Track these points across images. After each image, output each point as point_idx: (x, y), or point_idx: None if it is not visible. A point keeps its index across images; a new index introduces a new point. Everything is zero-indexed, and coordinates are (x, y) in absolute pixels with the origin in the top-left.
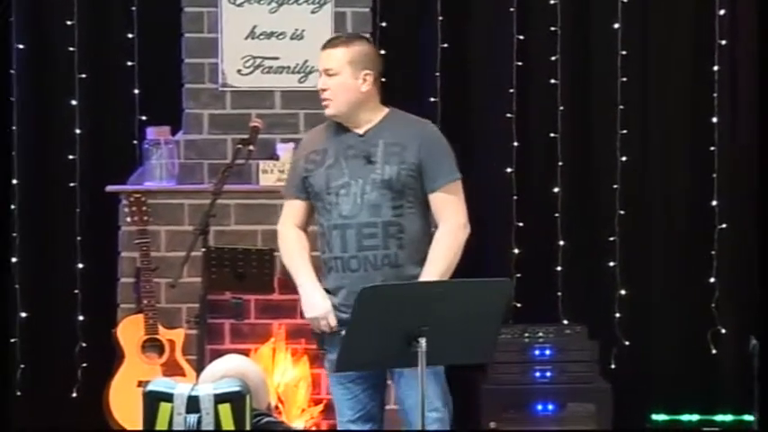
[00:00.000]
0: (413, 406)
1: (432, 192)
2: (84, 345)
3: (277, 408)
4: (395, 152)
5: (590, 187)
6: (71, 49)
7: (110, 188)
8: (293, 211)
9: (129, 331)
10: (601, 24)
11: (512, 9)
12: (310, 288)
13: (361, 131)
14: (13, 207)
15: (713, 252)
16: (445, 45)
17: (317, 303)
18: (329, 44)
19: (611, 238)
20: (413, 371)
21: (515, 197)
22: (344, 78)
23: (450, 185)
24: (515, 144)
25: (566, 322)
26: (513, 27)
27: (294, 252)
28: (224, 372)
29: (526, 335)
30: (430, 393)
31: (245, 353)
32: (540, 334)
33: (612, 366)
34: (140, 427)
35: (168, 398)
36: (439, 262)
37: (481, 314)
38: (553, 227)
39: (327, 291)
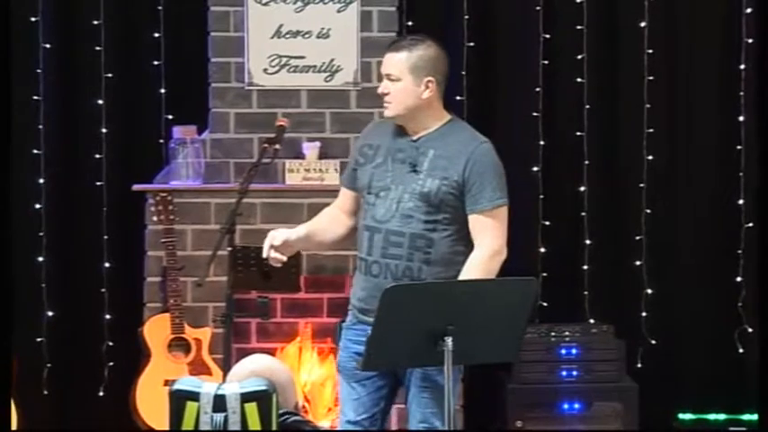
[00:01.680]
0: (411, 417)
1: (472, 213)
2: (110, 344)
3: (303, 407)
4: (441, 166)
5: (616, 186)
6: (97, 48)
7: (136, 187)
8: (342, 197)
9: (156, 330)
10: (627, 23)
11: (538, 8)
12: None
13: (414, 137)
14: (39, 206)
15: (740, 251)
16: (471, 44)
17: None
18: (392, 47)
19: (638, 237)
20: (411, 383)
21: (541, 196)
22: (405, 84)
23: (493, 210)
24: (541, 143)
25: (592, 321)
26: (539, 26)
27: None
28: (251, 371)
29: (552, 334)
30: (428, 414)
31: (272, 352)
32: (567, 333)
33: (639, 365)
34: (167, 427)
35: (195, 397)
36: None
37: (507, 313)
38: (579, 226)
39: (354, 285)
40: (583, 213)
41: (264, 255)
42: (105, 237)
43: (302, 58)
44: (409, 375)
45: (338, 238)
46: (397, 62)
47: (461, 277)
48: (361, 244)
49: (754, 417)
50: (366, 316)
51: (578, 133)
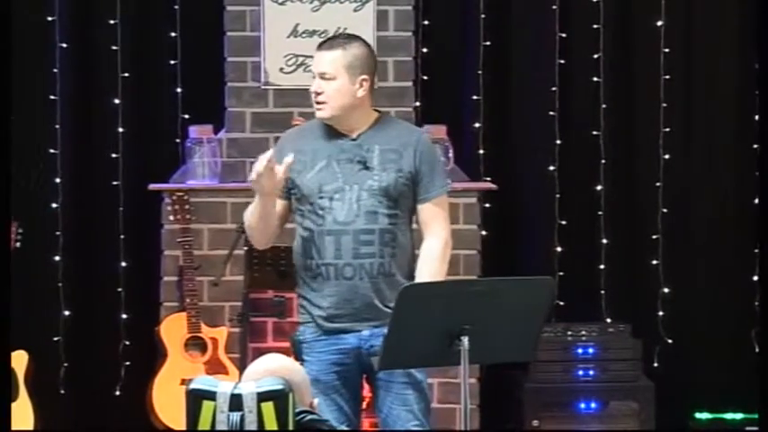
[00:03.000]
0: (396, 418)
1: (424, 201)
2: (127, 343)
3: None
4: (391, 159)
5: (633, 185)
6: (114, 47)
7: (152, 186)
8: None
9: (172, 329)
10: (643, 22)
11: (554, 7)
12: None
13: (353, 135)
14: (55, 205)
15: (756, 250)
16: (488, 43)
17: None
18: (325, 46)
19: (655, 236)
20: (390, 384)
21: (558, 195)
22: (341, 83)
23: (441, 197)
24: (558, 142)
25: (609, 320)
26: (555, 25)
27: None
28: (267, 370)
29: (569, 333)
30: (416, 410)
31: (288, 351)
32: (583, 332)
33: (655, 365)
34: (183, 426)
35: (211, 396)
36: (438, 277)
37: (524, 313)
38: (596, 225)
39: (304, 298)
40: (599, 212)
41: (253, 175)
42: (122, 236)
43: None
44: (385, 377)
45: (272, 233)
46: (333, 60)
47: (425, 269)
48: (324, 249)
49: None
50: (338, 323)
51: (595, 132)
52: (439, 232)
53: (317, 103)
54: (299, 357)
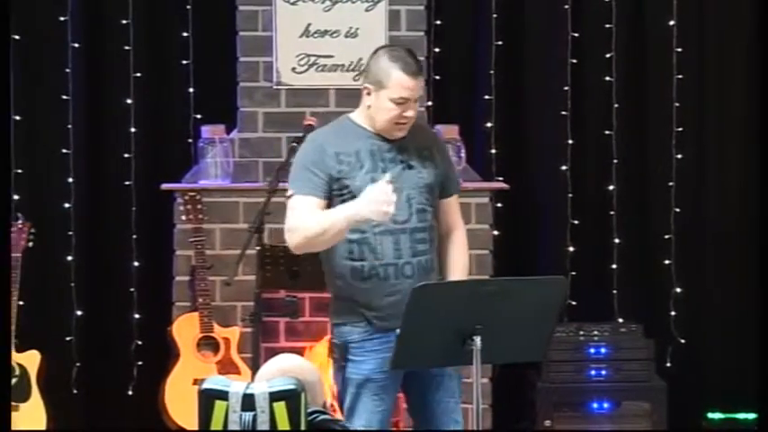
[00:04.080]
0: (444, 410)
1: (450, 196)
2: (139, 343)
3: (332, 406)
4: (426, 156)
5: (645, 185)
6: (126, 47)
7: (165, 186)
8: (313, 207)
9: (185, 329)
10: (656, 21)
11: (566, 6)
12: (347, 206)
13: (387, 136)
14: (68, 205)
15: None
16: (499, 43)
17: (365, 198)
18: (415, 71)
19: (667, 236)
20: (442, 378)
21: (570, 195)
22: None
23: (458, 190)
24: (570, 142)
25: (621, 320)
26: (567, 24)
27: (314, 217)
28: (279, 370)
29: (581, 333)
30: (459, 402)
31: (300, 351)
32: (595, 332)
33: (668, 365)
34: (195, 426)
35: (223, 396)
36: (466, 269)
37: (536, 312)
38: (608, 224)
39: (351, 300)
40: (611, 212)
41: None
42: (134, 236)
43: (330, 57)
44: (438, 371)
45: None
46: (422, 84)
47: (463, 260)
48: (381, 249)
49: None
50: (394, 320)
51: (607, 132)
52: (462, 224)
53: (404, 124)
54: (343, 359)
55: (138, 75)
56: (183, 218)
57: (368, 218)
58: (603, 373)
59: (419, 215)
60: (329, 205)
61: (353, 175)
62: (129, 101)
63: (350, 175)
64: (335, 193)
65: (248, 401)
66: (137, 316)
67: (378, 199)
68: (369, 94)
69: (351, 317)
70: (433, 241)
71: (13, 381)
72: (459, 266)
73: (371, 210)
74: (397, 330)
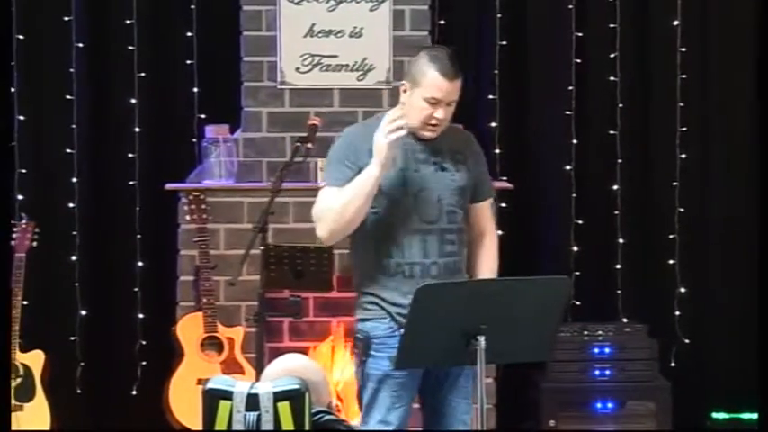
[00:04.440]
0: (455, 410)
1: (482, 200)
2: (143, 343)
3: (336, 406)
4: (459, 160)
5: (649, 185)
6: (130, 47)
7: (169, 186)
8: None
9: (189, 329)
10: (660, 21)
11: (570, 6)
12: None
13: (420, 137)
14: (72, 205)
15: None
16: (504, 43)
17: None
18: (451, 74)
19: (671, 236)
20: (458, 379)
21: (574, 195)
22: (454, 105)
23: (491, 196)
24: (574, 141)
25: (625, 320)
26: (571, 24)
27: (336, 198)
28: (285, 370)
29: (585, 333)
30: (470, 402)
31: (304, 351)
32: (600, 332)
33: (672, 364)
34: (200, 425)
35: (228, 396)
36: (494, 275)
37: (540, 312)
38: (612, 224)
39: (376, 295)
40: (616, 212)
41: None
42: (138, 236)
43: (335, 57)
44: (456, 370)
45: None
46: (459, 88)
47: (490, 265)
48: (409, 248)
49: None
50: None
51: (611, 132)
52: (493, 229)
53: (435, 126)
54: (365, 354)
55: (143, 75)
56: (188, 218)
57: (384, 149)
58: (608, 372)
59: (449, 216)
60: None
61: (388, 172)
62: (133, 101)
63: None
64: None
65: (252, 401)
66: (141, 316)
67: (386, 122)
68: (405, 91)
69: (376, 312)
70: (462, 244)
71: (18, 381)
72: (487, 272)
73: (386, 134)
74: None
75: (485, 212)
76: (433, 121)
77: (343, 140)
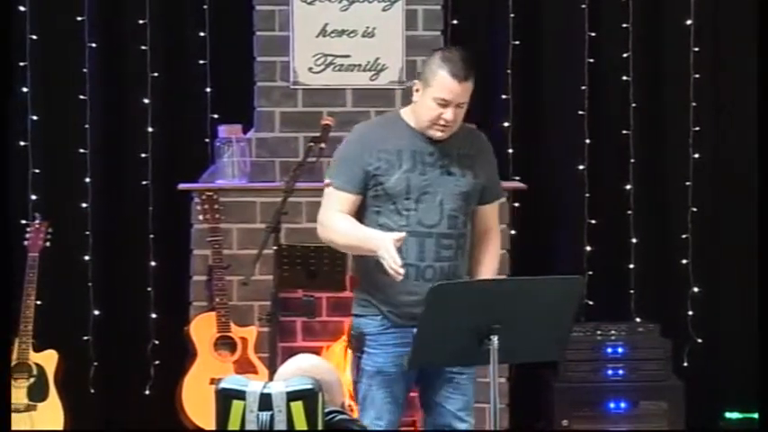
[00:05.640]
0: (448, 412)
1: (491, 203)
2: (156, 342)
3: (350, 406)
4: (468, 164)
5: (662, 184)
6: (143, 47)
7: (182, 186)
8: (344, 202)
9: (202, 329)
10: (673, 21)
11: (583, 6)
12: (374, 237)
13: (432, 138)
14: (85, 205)
15: None
16: (517, 42)
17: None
18: (462, 76)
19: (684, 236)
20: (452, 374)
21: (587, 194)
22: (465, 107)
23: (500, 198)
24: (587, 141)
25: (638, 320)
26: (584, 24)
27: (350, 223)
28: (299, 369)
29: (598, 333)
30: (470, 398)
31: (317, 350)
32: (613, 332)
33: (685, 364)
34: (213, 425)
35: (241, 396)
36: (495, 275)
37: (553, 312)
38: (625, 224)
39: (371, 294)
40: (629, 212)
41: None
42: (151, 236)
43: (347, 56)
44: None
45: None
46: (469, 89)
47: (490, 267)
48: (406, 250)
49: None
50: (410, 318)
51: (624, 131)
52: (497, 231)
53: (444, 127)
54: (359, 350)
55: (156, 75)
56: (201, 217)
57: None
58: (621, 372)
59: (449, 221)
60: (362, 199)
61: (391, 173)
62: (146, 100)
63: (387, 173)
64: (370, 187)
65: (265, 401)
66: (154, 315)
67: (391, 259)
68: (417, 90)
69: (369, 309)
70: (461, 249)
71: (31, 380)
72: (488, 272)
73: (386, 262)
74: (414, 329)
75: (489, 214)
76: (442, 122)
77: (353, 138)
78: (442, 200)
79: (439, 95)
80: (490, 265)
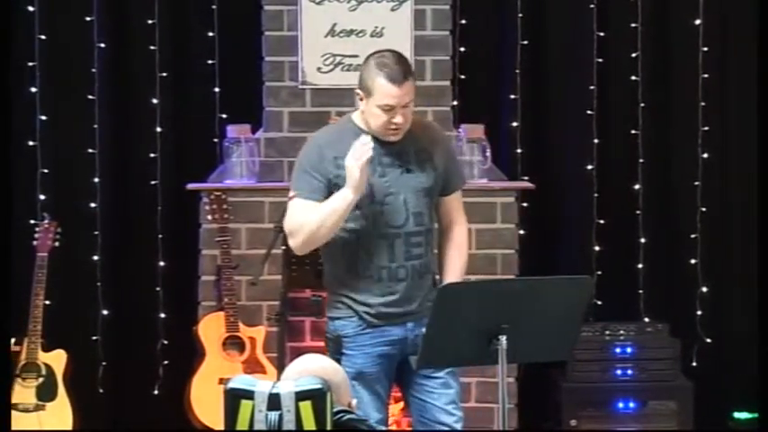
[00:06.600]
0: (442, 407)
1: (451, 193)
2: (165, 342)
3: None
4: (425, 159)
5: (671, 184)
6: (152, 47)
7: (190, 186)
8: (311, 211)
9: (210, 329)
10: (681, 20)
11: (591, 5)
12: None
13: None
14: (94, 205)
15: None
16: (525, 42)
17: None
18: (399, 79)
19: (693, 236)
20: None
21: (596, 194)
22: (413, 105)
23: (462, 187)
24: (596, 141)
25: (647, 320)
26: (592, 23)
27: (315, 208)
28: (306, 370)
29: (607, 332)
30: (456, 393)
31: (325, 351)
32: (621, 331)
33: (694, 364)
34: (221, 425)
35: (249, 395)
36: (462, 270)
37: (562, 312)
38: (634, 224)
39: (346, 296)
40: (637, 211)
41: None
42: (160, 235)
43: (356, 56)
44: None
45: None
46: (412, 89)
47: (457, 261)
48: (377, 253)
49: None
50: (386, 318)
51: (633, 131)
52: (464, 220)
53: (396, 129)
54: (338, 352)
55: (164, 74)
56: (209, 217)
57: (356, 174)
58: (629, 372)
59: (415, 219)
60: None
61: (360, 194)
62: (154, 100)
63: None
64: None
65: (274, 401)
66: (162, 315)
67: (357, 147)
68: (361, 99)
69: (344, 311)
70: (429, 244)
71: (40, 380)
72: (455, 267)
73: (356, 159)
74: (391, 329)
75: (453, 204)
76: (393, 126)
77: (309, 148)
78: (405, 199)
79: (382, 102)
80: (457, 262)
